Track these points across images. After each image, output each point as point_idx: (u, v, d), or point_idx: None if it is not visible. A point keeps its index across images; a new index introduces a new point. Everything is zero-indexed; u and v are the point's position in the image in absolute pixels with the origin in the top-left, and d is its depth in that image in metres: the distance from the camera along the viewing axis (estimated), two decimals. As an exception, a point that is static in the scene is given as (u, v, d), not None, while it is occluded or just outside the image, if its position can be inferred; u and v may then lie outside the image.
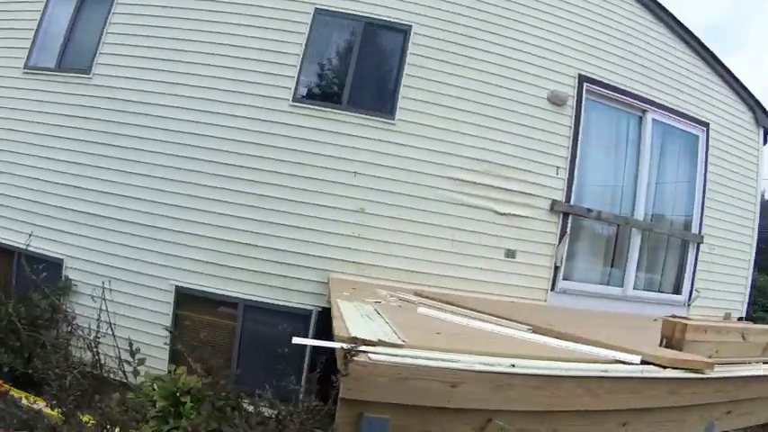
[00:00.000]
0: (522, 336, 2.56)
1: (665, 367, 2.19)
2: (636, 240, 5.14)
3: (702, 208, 5.55)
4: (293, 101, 4.33)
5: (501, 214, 4.56)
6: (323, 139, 4.38)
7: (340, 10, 4.49)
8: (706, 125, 5.62)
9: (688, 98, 5.56)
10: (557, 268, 4.77)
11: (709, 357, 2.42)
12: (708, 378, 2.27)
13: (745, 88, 5.92)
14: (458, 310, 3.16)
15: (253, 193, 4.32)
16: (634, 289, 5.36)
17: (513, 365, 1.84)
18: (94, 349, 3.38)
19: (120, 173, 4.48)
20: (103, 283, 4.15)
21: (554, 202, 4.69)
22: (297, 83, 4.31)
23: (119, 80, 4.55)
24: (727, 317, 4.96)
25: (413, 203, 4.41)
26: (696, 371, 2.24)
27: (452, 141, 4.58)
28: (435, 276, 4.38)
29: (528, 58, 4.79)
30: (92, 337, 3.39)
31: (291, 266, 4.28)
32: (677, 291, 5.66)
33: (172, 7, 4.49)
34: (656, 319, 3.06)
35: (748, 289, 5.99)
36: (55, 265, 4.45)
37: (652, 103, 5.28)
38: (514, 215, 4.59)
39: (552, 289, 4.83)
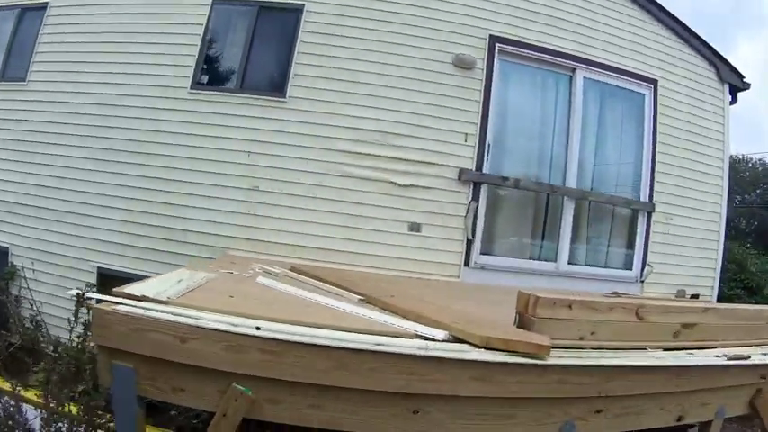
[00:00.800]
0: (338, 306, 2.10)
1: (479, 347, 1.65)
2: (568, 210, 4.24)
3: (652, 173, 4.47)
4: (191, 88, 4.07)
5: (401, 186, 3.81)
6: (220, 122, 4.12)
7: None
8: (653, 82, 4.47)
9: (631, 54, 4.46)
10: (469, 242, 3.92)
11: (580, 339, 1.84)
12: (545, 365, 1.65)
13: (704, 43, 4.73)
14: (311, 284, 2.72)
15: (160, 178, 4.12)
16: (570, 264, 4.51)
17: (258, 328, 1.52)
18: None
19: (46, 166, 4.41)
20: (33, 263, 4.20)
21: (462, 171, 3.97)
22: (195, 71, 3.99)
23: (46, 84, 4.53)
24: (681, 294, 3.82)
25: (306, 179, 3.77)
26: (530, 355, 1.64)
27: (347, 114, 4.12)
28: (334, 252, 3.76)
29: (431, 23, 4.24)
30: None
31: (196, 245, 3.99)
32: (627, 266, 4.70)
33: (83, 14, 4.47)
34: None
35: (719, 263, 4.64)
36: (3, 254, 4.46)
37: (583, 60, 4.26)
38: (417, 186, 3.84)
39: (466, 264, 4.17)
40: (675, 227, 4.83)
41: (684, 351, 2.07)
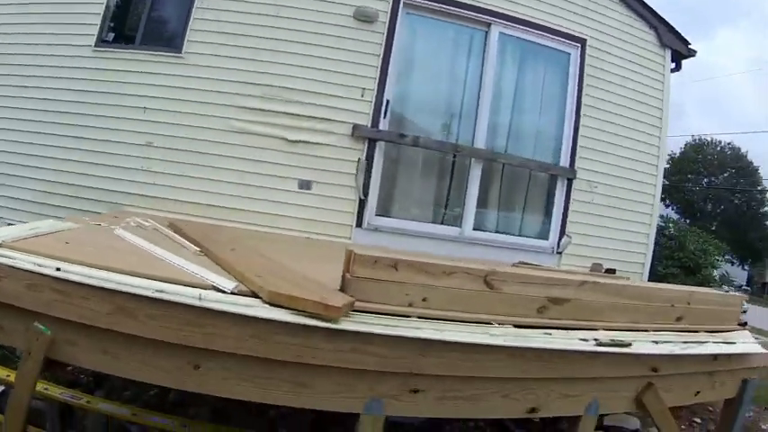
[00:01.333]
0: (169, 258, 1.82)
1: (266, 303, 1.37)
2: (475, 173, 3.79)
3: (575, 137, 3.95)
4: (95, 46, 3.89)
5: (292, 142, 3.36)
6: (120, 79, 3.88)
7: None
8: (581, 42, 3.84)
9: (557, 11, 3.86)
10: (362, 201, 3.49)
11: (409, 306, 1.50)
12: (335, 330, 1.35)
13: (643, 4, 3.91)
14: (169, 238, 2.46)
15: (71, 136, 3.86)
16: (476, 230, 4.04)
17: (59, 269, 1.41)
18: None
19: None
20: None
21: (355, 127, 3.60)
22: (101, 29, 3.74)
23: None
24: (596, 268, 3.55)
25: (201, 135, 3.48)
26: (318, 316, 1.33)
27: (243, 69, 3.80)
28: (227, 210, 3.57)
29: None
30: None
31: (98, 202, 3.72)
32: (543, 236, 4.18)
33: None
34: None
35: (651, 239, 4.06)
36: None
37: (500, 15, 3.68)
38: (308, 142, 3.49)
39: (359, 225, 3.81)
40: (601, 196, 4.25)
41: (543, 330, 1.63)
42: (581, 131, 4.14)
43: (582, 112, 4.18)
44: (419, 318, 1.49)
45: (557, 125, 4.16)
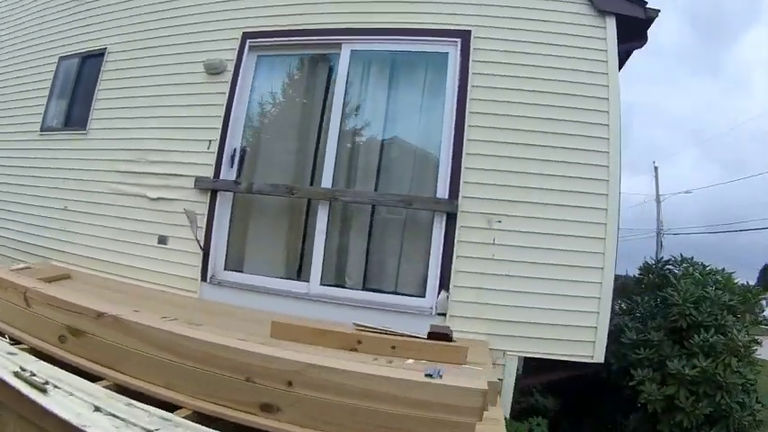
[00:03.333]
0: None
1: None
2: (321, 217, 3.63)
3: (456, 158, 3.47)
4: (41, 130, 4.75)
5: (152, 199, 3.97)
6: (51, 155, 4.90)
7: (69, 53, 5.03)
8: (463, 35, 3.39)
9: (423, 7, 3.49)
10: (206, 255, 3.58)
11: None
12: None
13: None
14: None
15: (14, 202, 5.06)
16: (327, 286, 3.62)
17: None
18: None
19: None
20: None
21: (197, 180, 3.87)
22: (44, 116, 4.75)
23: None
24: (439, 330, 2.79)
25: (94, 198, 4.30)
26: None
27: (126, 137, 4.40)
28: (105, 263, 4.16)
29: (183, 29, 4.24)
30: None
31: (33, 255, 4.64)
32: (420, 293, 3.46)
33: None
34: None
35: (606, 290, 3.23)
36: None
37: (352, 31, 3.66)
38: (165, 199, 4.05)
39: (204, 280, 3.84)
40: (508, 234, 3.26)
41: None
42: (468, 148, 3.29)
43: (468, 123, 3.31)
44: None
45: (432, 145, 3.45)
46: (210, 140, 3.92)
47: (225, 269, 3.81)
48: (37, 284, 1.96)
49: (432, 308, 3.30)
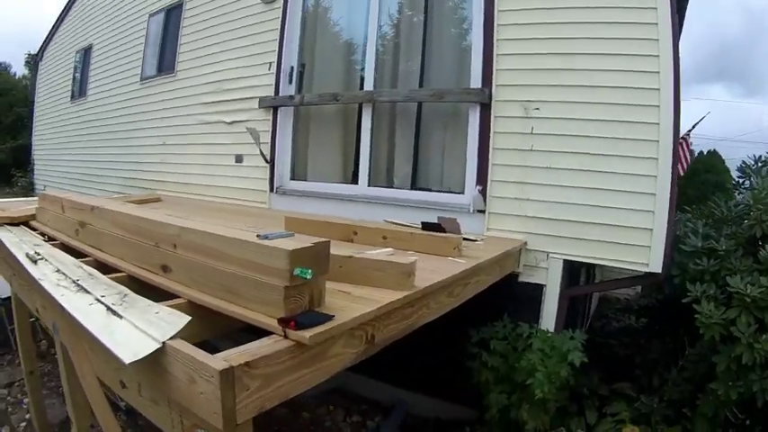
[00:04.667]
0: None
1: None
2: (366, 120, 4.07)
3: (488, 43, 3.43)
4: (141, 80, 6.06)
5: (228, 124, 4.87)
6: (151, 100, 6.07)
7: (156, 9, 6.04)
8: None
9: None
10: (272, 167, 4.46)
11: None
12: None
13: None
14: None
15: (131, 137, 6.35)
16: (374, 186, 4.04)
17: None
18: None
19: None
20: None
21: (261, 99, 4.62)
22: (142, 67, 6.00)
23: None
24: (446, 223, 2.91)
25: (186, 131, 5.40)
26: None
27: (204, 73, 5.25)
28: (195, 186, 5.15)
29: None
30: None
31: (136, 188, 5.94)
32: (460, 189, 3.65)
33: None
34: None
35: (665, 186, 2.99)
36: None
37: None
38: (237, 122, 4.81)
39: (273, 190, 4.56)
40: (549, 122, 3.28)
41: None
42: (499, 33, 3.33)
43: (498, 8, 3.31)
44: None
45: (463, 35, 3.57)
46: (270, 62, 4.57)
47: (291, 179, 4.45)
48: (79, 199, 2.48)
49: (469, 204, 3.48)
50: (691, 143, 5.86)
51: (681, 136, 5.77)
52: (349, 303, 1.60)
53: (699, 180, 7.61)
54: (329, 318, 1.40)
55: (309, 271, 1.36)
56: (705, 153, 8.55)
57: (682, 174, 6.66)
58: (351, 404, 4.04)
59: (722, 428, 3.00)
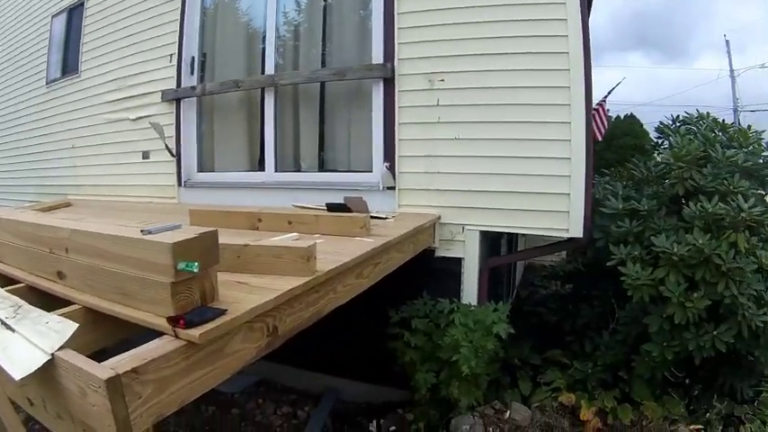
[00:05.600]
0: None
1: None
2: (269, 105, 4.05)
3: (388, 16, 3.48)
4: (47, 83, 5.82)
5: (134, 120, 4.73)
6: (58, 102, 5.83)
7: (58, 10, 5.85)
8: None
9: None
10: (178, 161, 4.35)
11: None
12: None
13: None
14: None
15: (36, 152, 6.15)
16: (281, 171, 4.06)
17: None
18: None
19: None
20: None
21: (163, 92, 4.53)
22: (47, 70, 5.78)
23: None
24: (353, 203, 2.89)
25: (93, 131, 5.24)
26: None
27: (107, 71, 5.12)
28: (104, 187, 5.16)
29: None
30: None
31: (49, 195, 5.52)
32: (368, 168, 3.69)
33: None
34: None
35: (579, 152, 3.03)
36: None
37: None
38: (142, 117, 4.73)
39: (180, 184, 4.51)
40: (454, 93, 3.32)
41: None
42: (400, 6, 3.37)
43: None
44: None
45: (369, 12, 3.57)
46: (171, 54, 4.48)
47: (199, 171, 4.38)
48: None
49: (378, 182, 3.50)
50: (608, 110, 6.09)
51: (597, 102, 6.01)
52: (246, 295, 1.54)
53: (617, 144, 7.85)
54: (221, 312, 1.35)
55: (196, 264, 1.30)
56: (622, 117, 8.88)
57: (600, 139, 6.90)
58: (279, 396, 4.06)
59: (660, 388, 3.09)
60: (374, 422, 3.50)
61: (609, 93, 5.93)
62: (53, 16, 5.94)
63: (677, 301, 2.72)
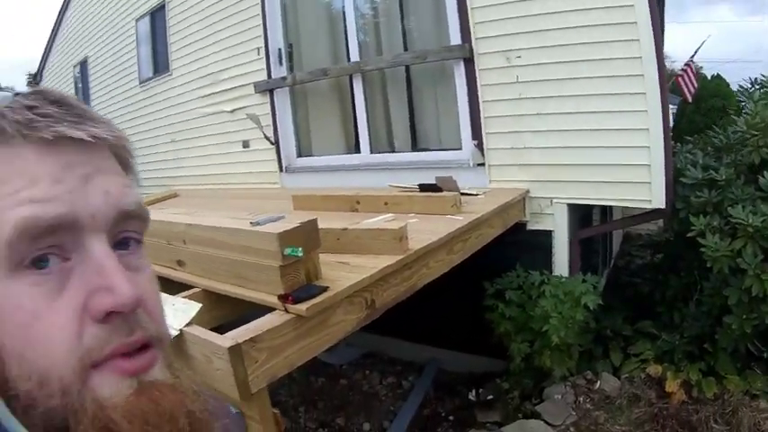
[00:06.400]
0: None
1: None
2: (358, 90, 4.49)
3: (462, 3, 3.72)
4: (140, 83, 6.67)
5: (230, 112, 5.38)
6: (154, 100, 6.65)
7: (143, 12, 6.51)
8: None
9: None
10: (277, 148, 4.98)
11: None
12: None
13: None
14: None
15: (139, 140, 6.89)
16: (377, 153, 4.47)
17: None
18: None
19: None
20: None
21: (255, 84, 5.04)
22: (138, 71, 6.62)
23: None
24: (444, 182, 3.20)
25: (191, 125, 6.01)
26: None
27: (197, 68, 5.78)
28: (207, 177, 5.86)
29: None
30: None
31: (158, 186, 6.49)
32: (458, 145, 3.99)
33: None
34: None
35: (656, 123, 3.12)
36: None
37: None
38: (239, 108, 5.34)
39: (282, 170, 5.05)
40: (532, 69, 3.49)
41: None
42: None
43: None
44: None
45: None
46: (258, 47, 4.99)
47: (298, 156, 4.92)
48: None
49: (468, 159, 3.76)
50: (700, 67, 5.94)
51: (685, 63, 5.89)
52: (346, 273, 1.77)
53: (706, 106, 7.57)
54: (324, 289, 1.59)
55: (300, 249, 1.54)
56: (709, 78, 8.44)
57: (690, 101, 6.74)
58: (385, 367, 4.42)
59: (743, 362, 3.12)
60: (473, 391, 3.79)
61: (695, 52, 5.77)
62: (136, 20, 6.62)
63: (753, 273, 2.74)
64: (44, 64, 10.13)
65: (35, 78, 11.06)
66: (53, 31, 9.35)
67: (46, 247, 0.37)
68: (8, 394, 0.38)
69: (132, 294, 0.37)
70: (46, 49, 9.84)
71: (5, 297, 0.37)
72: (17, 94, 0.41)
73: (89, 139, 0.39)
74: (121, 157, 0.43)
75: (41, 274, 0.37)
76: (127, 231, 0.42)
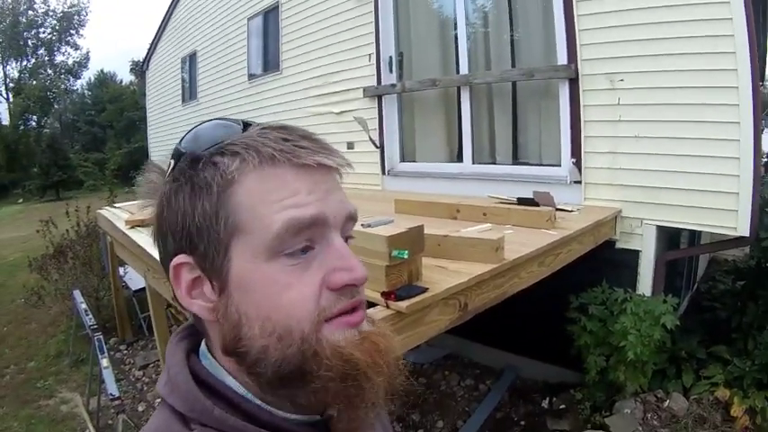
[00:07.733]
0: None
1: None
2: (465, 101, 4.94)
3: (569, 18, 4.05)
4: (248, 79, 7.74)
5: (337, 114, 6.27)
6: (264, 95, 7.59)
7: (253, 13, 7.45)
8: None
9: None
10: (381, 152, 5.67)
11: None
12: None
13: None
14: None
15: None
16: (477, 164, 4.96)
17: None
18: None
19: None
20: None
21: (365, 89, 5.67)
22: (248, 67, 7.71)
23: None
24: (540, 197, 3.51)
25: (299, 123, 6.84)
26: None
27: (309, 69, 6.59)
28: None
29: None
30: None
31: None
32: (557, 162, 4.38)
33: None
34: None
35: (747, 151, 3.33)
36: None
37: None
38: (346, 111, 6.03)
39: (384, 173, 5.69)
40: (633, 92, 3.77)
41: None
42: (579, 8, 3.86)
43: None
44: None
45: (548, 12, 4.13)
46: (370, 54, 5.60)
47: (401, 161, 5.47)
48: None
49: (566, 176, 4.02)
50: None
51: None
52: (444, 277, 1.96)
53: None
54: (424, 290, 1.78)
55: (406, 252, 1.73)
56: None
57: None
58: (465, 369, 4.69)
59: None
60: (547, 399, 4.04)
61: None
62: (248, 19, 7.62)
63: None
64: (151, 54, 11.66)
65: (141, 68, 12.74)
66: (162, 23, 10.74)
67: (303, 240, 0.52)
68: (237, 351, 0.53)
69: (365, 274, 0.54)
70: (154, 40, 11.31)
71: (261, 276, 0.51)
72: (246, 126, 0.59)
73: (335, 166, 0.56)
74: (340, 176, 0.59)
75: (294, 258, 0.52)
76: (347, 231, 0.58)
